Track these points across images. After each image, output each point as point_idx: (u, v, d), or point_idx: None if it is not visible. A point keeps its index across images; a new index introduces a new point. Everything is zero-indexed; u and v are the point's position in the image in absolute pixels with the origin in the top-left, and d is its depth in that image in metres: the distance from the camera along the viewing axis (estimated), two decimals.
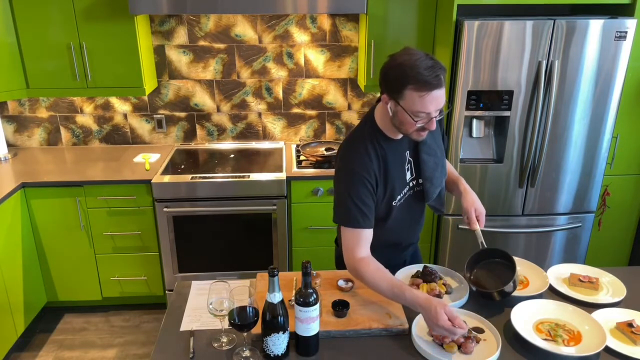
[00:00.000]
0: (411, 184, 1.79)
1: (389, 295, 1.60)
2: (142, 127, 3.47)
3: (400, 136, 1.70)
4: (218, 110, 3.45)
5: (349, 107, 3.48)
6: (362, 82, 3.19)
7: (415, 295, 1.53)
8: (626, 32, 2.62)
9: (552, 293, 1.82)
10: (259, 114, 3.48)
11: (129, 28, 2.90)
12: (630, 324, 1.61)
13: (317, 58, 3.35)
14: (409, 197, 1.80)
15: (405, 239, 1.93)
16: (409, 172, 1.78)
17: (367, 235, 1.66)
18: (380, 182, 1.68)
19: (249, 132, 3.52)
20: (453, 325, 1.44)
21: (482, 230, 1.82)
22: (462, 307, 1.73)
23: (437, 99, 1.51)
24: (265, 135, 3.54)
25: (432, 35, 2.99)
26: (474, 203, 1.82)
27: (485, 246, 1.82)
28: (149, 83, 3.15)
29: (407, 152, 1.76)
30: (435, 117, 1.55)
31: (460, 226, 2.93)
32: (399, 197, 1.76)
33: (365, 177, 1.63)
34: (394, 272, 1.86)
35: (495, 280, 1.75)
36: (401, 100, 1.53)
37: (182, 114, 3.45)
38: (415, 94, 1.49)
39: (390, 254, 1.90)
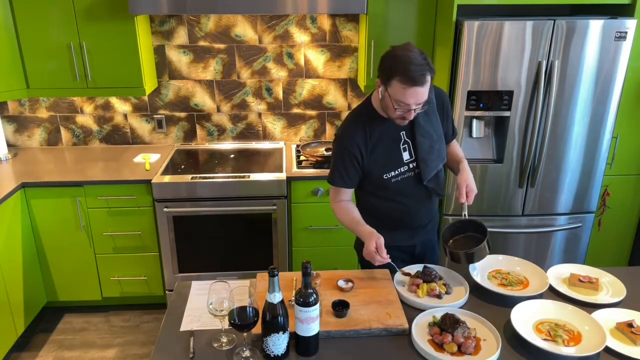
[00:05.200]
0: (410, 165, 1.93)
1: (349, 228, 1.95)
2: (142, 127, 3.47)
3: None
4: (218, 110, 3.45)
5: (349, 107, 3.48)
6: (362, 82, 3.19)
7: (364, 228, 1.88)
8: (626, 33, 2.62)
9: (552, 293, 1.82)
10: (259, 114, 3.48)
11: (129, 28, 2.90)
12: (630, 324, 1.61)
13: (317, 58, 3.35)
14: (409, 177, 1.94)
15: (411, 220, 2.03)
16: (407, 152, 1.92)
17: (345, 191, 1.98)
18: (366, 154, 1.89)
19: (249, 132, 3.52)
20: (375, 252, 1.78)
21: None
22: (462, 307, 1.73)
23: (417, 94, 1.68)
24: (265, 136, 3.54)
25: (432, 35, 2.99)
26: (466, 180, 1.94)
27: (467, 217, 1.93)
28: (149, 83, 3.15)
29: (403, 132, 1.91)
30: (415, 109, 1.74)
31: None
32: (393, 174, 1.92)
33: (349, 149, 1.88)
34: (401, 263, 1.96)
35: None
36: (389, 87, 1.72)
37: (182, 114, 3.45)
38: (400, 86, 1.68)
39: (399, 235, 2.02)
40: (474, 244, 1.87)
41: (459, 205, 1.95)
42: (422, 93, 1.69)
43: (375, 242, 1.79)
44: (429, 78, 1.67)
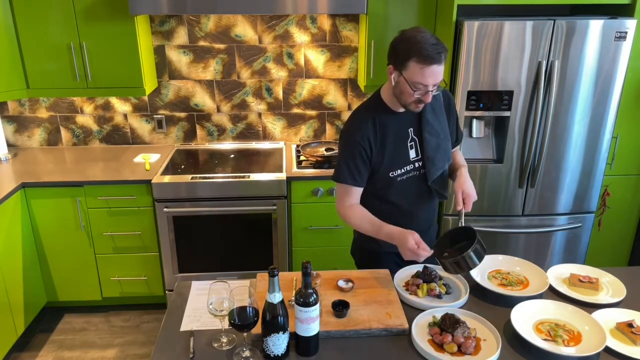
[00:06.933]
0: (416, 164, 1.91)
1: (371, 232, 1.86)
2: (142, 127, 3.47)
3: (401, 109, 1.84)
4: (218, 110, 3.45)
5: (349, 107, 3.48)
6: (362, 82, 3.19)
7: (392, 229, 1.80)
8: (626, 33, 2.63)
9: (552, 293, 1.82)
10: (259, 114, 3.48)
11: (129, 28, 2.90)
12: (630, 324, 1.61)
13: (317, 58, 3.35)
14: (414, 177, 1.91)
15: (413, 224, 1.94)
16: (413, 150, 1.89)
17: (355, 190, 1.90)
18: (375, 149, 1.85)
19: (249, 132, 3.52)
20: (418, 248, 1.70)
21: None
22: (462, 307, 1.73)
23: (435, 73, 1.67)
24: (265, 136, 3.54)
25: None
26: (462, 186, 1.91)
27: (463, 225, 1.83)
28: (149, 83, 3.15)
29: (411, 129, 1.89)
30: (432, 90, 1.71)
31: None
32: (399, 172, 1.89)
33: (359, 142, 1.83)
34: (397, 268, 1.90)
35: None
36: (404, 71, 1.69)
37: (182, 114, 3.45)
38: (418, 66, 1.66)
39: None
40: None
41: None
42: (439, 72, 1.67)
43: (414, 238, 1.72)
44: (444, 56, 1.66)
